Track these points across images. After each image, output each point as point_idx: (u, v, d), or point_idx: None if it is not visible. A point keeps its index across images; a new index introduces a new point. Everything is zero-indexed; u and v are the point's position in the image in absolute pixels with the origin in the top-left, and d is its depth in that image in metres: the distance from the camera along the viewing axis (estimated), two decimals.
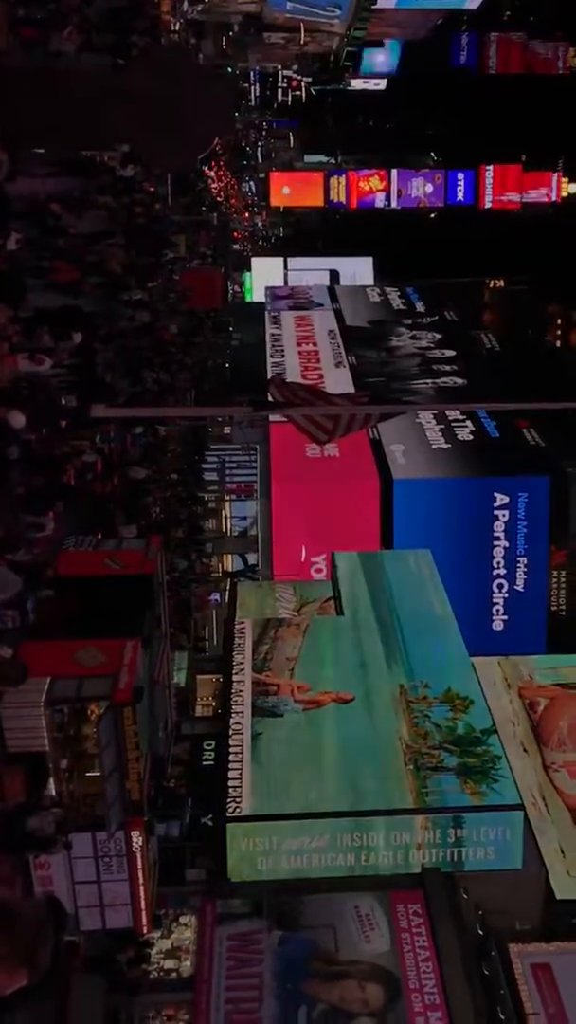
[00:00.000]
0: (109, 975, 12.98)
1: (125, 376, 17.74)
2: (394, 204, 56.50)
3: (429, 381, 31.08)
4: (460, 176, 56.58)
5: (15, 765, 3.90)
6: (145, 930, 12.71)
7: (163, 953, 14.04)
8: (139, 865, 11.99)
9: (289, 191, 54.28)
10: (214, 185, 41.42)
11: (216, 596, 25.82)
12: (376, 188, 55.97)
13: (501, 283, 62.01)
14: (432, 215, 58.05)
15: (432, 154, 57.87)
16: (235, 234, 48.82)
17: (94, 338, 14.41)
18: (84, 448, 13.11)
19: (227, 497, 28.59)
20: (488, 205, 55.54)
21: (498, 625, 26.11)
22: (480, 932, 13.91)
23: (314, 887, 13.96)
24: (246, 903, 13.82)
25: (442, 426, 27.61)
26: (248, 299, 46.52)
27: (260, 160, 53.32)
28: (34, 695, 11.15)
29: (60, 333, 12.74)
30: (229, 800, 14.17)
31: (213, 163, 40.45)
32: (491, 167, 55.10)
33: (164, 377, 20.82)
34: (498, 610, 26.11)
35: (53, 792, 11.49)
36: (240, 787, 14.39)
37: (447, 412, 27.96)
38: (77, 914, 11.96)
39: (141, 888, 12.21)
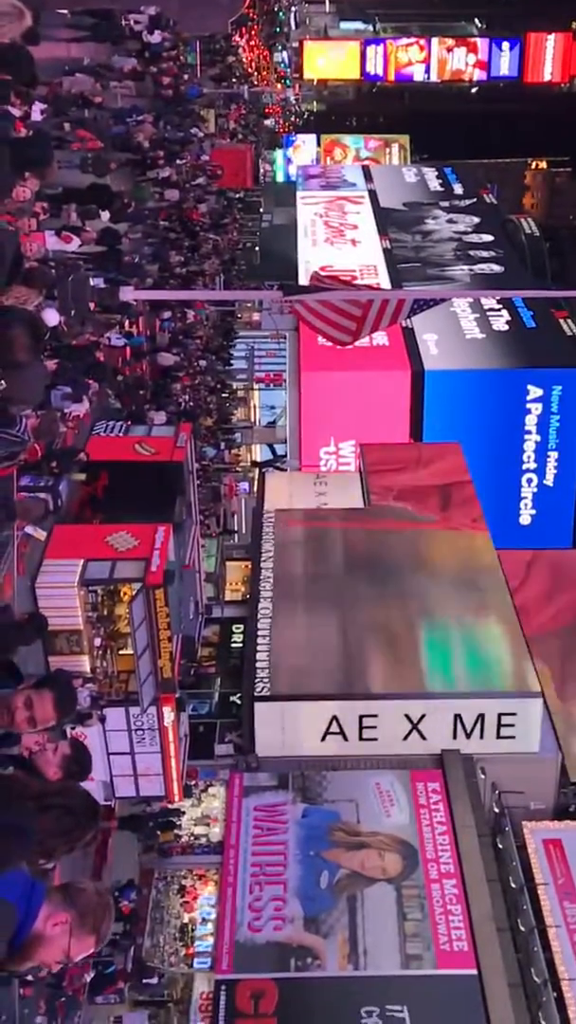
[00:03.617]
0: (142, 836, 13.77)
1: (153, 259, 17.35)
2: (433, 77, 53.47)
3: (465, 267, 30.10)
4: (504, 46, 53.13)
5: (44, 688, 4.05)
6: (176, 799, 13.39)
7: (193, 820, 14.86)
8: (170, 739, 12.53)
9: (324, 63, 51.51)
10: (245, 55, 39.33)
11: (245, 486, 25.96)
12: (415, 59, 52.87)
13: (543, 164, 59.19)
14: (473, 90, 54.94)
15: (476, 21, 54.28)
16: (267, 109, 46.65)
17: (121, 217, 14.03)
18: (112, 324, 12.96)
19: (256, 386, 28.34)
20: (547, 78, 52.18)
21: (525, 519, 26.10)
22: (496, 810, 14.48)
23: (337, 764, 14.54)
24: (272, 777, 14.45)
25: (477, 315, 26.89)
26: (279, 177, 44.89)
27: (293, 27, 50.41)
28: (68, 576, 11.45)
29: (87, 211, 12.41)
30: (257, 680, 14.61)
31: (244, 30, 38.33)
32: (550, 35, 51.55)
33: (192, 259, 20.36)
34: (526, 504, 26.04)
35: (87, 669, 11.94)
36: (268, 668, 14.81)
37: (483, 301, 27.17)
38: (112, 782, 12.61)
39: (172, 760, 12.81)
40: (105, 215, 12.90)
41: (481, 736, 14.52)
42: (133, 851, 14.24)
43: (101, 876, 12.69)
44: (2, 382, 5.51)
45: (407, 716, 14.45)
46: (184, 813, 14.78)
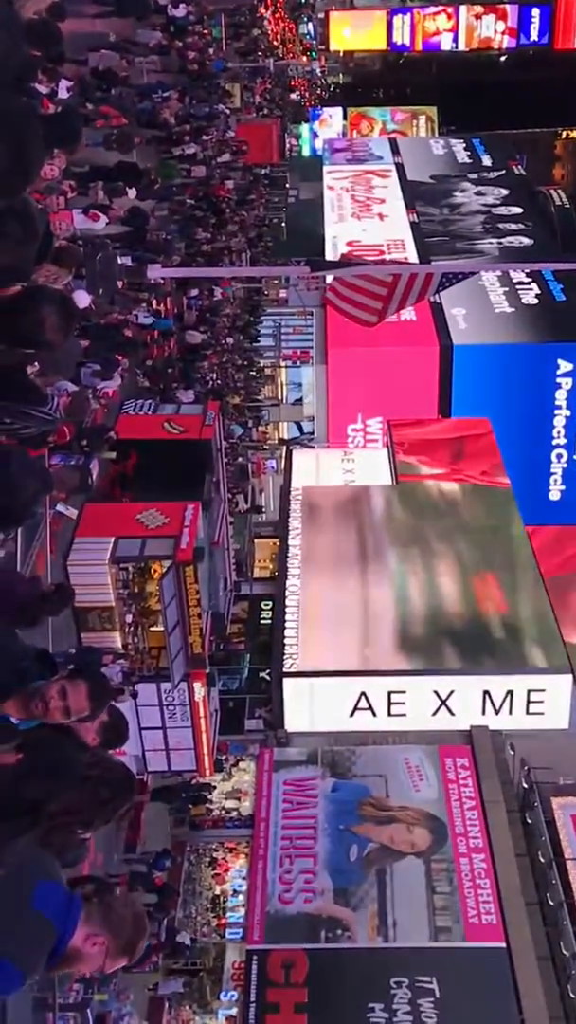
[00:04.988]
0: (174, 809, 13.97)
1: (179, 236, 17.30)
2: (461, 46, 52.44)
3: (494, 240, 29.68)
4: (535, 12, 51.92)
5: (78, 679, 4.11)
6: (207, 773, 13.57)
7: (224, 794, 15.05)
8: (201, 714, 12.69)
9: (350, 33, 50.67)
10: (270, 28, 38.84)
11: (272, 463, 25.97)
12: (443, 28, 51.84)
13: (574, 134, 57.96)
14: (503, 58, 53.87)
15: None
16: (292, 82, 46.07)
17: (149, 194, 14.00)
18: (140, 301, 12.98)
19: (283, 363, 28.20)
20: None
21: (555, 495, 25.89)
22: (525, 785, 14.50)
23: (366, 739, 14.63)
24: (301, 752, 14.60)
25: (506, 289, 26.55)
26: (305, 152, 44.43)
27: None
28: (99, 553, 11.57)
29: (115, 189, 12.40)
30: (286, 656, 14.71)
31: (268, 2, 37.86)
32: None
33: (218, 236, 20.27)
34: (556, 480, 25.81)
35: (119, 645, 12.09)
36: (296, 644, 14.90)
37: (512, 274, 26.80)
38: (144, 756, 12.80)
39: (203, 735, 12.97)
40: (132, 192, 12.88)
41: (510, 712, 14.54)
42: (165, 824, 14.47)
43: (135, 849, 12.92)
44: (35, 363, 5.56)
45: (436, 692, 14.50)
46: (215, 787, 14.97)
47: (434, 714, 14.59)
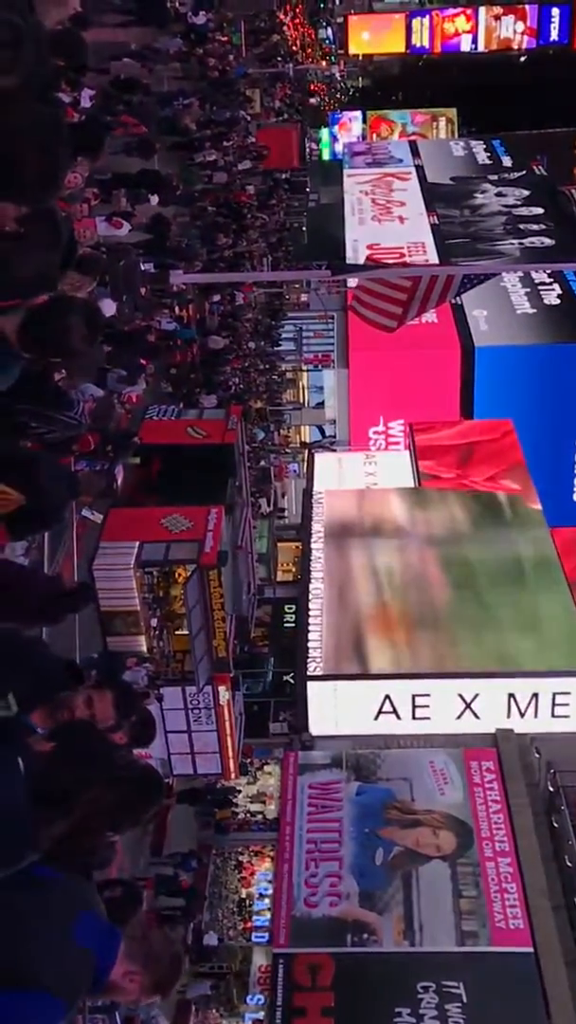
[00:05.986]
0: (200, 812, 14.02)
1: (201, 242, 17.41)
2: (481, 47, 52.28)
3: (515, 241, 29.57)
4: (555, 11, 51.70)
5: (104, 689, 4.16)
6: (232, 776, 13.60)
7: (249, 798, 15.08)
8: (226, 717, 12.72)
9: (369, 37, 50.68)
10: (290, 33, 38.99)
11: (295, 467, 26.02)
12: (462, 30, 51.73)
13: None
14: (523, 58, 53.64)
15: None
16: (311, 87, 46.17)
17: (170, 202, 14.09)
18: (163, 306, 13.07)
19: (304, 367, 28.27)
20: None
21: None
22: (551, 788, 14.41)
23: (390, 742, 14.60)
24: (326, 755, 14.58)
25: (528, 290, 26.44)
26: (325, 156, 44.49)
27: (337, 2, 49.71)
28: (125, 558, 11.65)
29: (137, 196, 12.50)
30: (309, 660, 14.72)
31: (288, 7, 38.01)
32: None
33: (240, 242, 20.36)
34: None
35: (144, 649, 12.16)
36: (320, 647, 14.90)
37: (533, 274, 26.68)
38: (170, 760, 12.86)
39: (228, 738, 13.01)
40: (154, 199, 12.98)
41: (536, 715, 14.45)
42: (191, 828, 14.52)
43: (161, 852, 12.98)
44: (62, 371, 5.61)
45: (460, 695, 14.43)
46: (240, 791, 15.00)
47: (459, 717, 14.53)
